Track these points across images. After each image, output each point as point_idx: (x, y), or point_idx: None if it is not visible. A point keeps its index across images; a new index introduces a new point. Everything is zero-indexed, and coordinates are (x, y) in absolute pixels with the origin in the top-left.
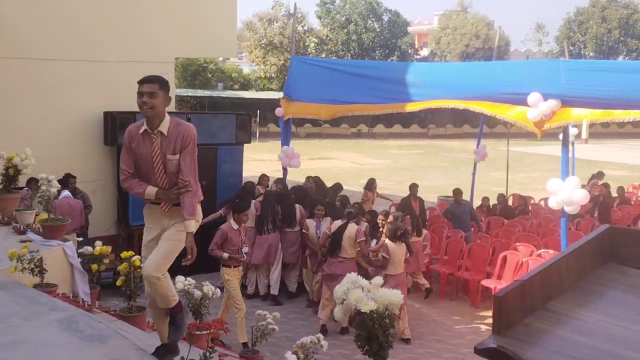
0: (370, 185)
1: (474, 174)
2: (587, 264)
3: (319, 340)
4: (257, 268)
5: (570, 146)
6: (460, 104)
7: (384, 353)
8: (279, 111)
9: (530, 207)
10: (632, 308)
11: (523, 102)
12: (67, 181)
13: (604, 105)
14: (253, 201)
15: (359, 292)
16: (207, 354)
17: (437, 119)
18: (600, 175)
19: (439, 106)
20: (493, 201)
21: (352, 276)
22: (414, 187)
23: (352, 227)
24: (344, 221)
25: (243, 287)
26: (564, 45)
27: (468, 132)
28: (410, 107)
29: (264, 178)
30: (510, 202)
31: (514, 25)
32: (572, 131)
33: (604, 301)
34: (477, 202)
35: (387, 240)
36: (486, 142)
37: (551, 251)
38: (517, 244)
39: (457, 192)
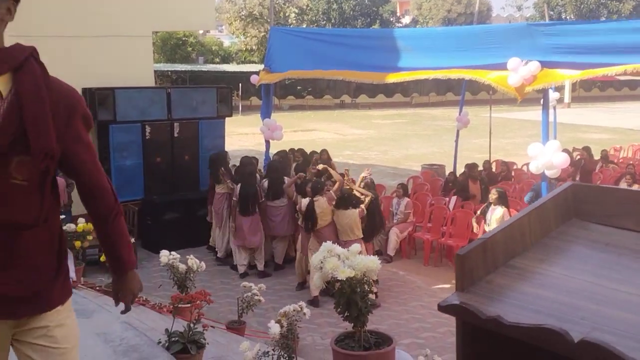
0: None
1: (456, 141)
2: (550, 221)
3: (301, 308)
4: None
5: (551, 110)
6: (441, 74)
7: (364, 318)
8: (254, 78)
9: (513, 173)
10: (590, 262)
11: (503, 67)
12: None
13: (585, 66)
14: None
15: (335, 260)
16: (192, 325)
17: (420, 87)
18: (587, 149)
19: (420, 77)
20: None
21: (328, 245)
22: (472, 169)
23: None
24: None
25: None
26: (544, 9)
27: (451, 100)
28: (391, 79)
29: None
30: (494, 169)
31: None
32: (554, 95)
33: (566, 256)
34: (460, 169)
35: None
36: (469, 109)
37: None
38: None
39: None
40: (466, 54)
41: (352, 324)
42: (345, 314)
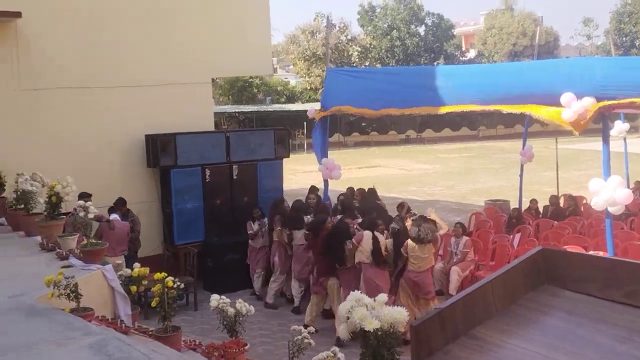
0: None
1: (521, 175)
2: (518, 287)
3: (335, 354)
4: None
5: (622, 142)
6: (493, 108)
7: None
8: (311, 111)
9: (582, 208)
10: (551, 333)
11: (556, 103)
12: (121, 205)
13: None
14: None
15: (363, 310)
16: None
17: (488, 120)
18: None
19: (473, 110)
20: (544, 202)
21: (356, 294)
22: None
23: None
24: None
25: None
26: (609, 38)
27: (519, 132)
28: (444, 110)
29: (314, 190)
30: (561, 203)
31: (564, 19)
32: (623, 127)
33: (528, 326)
34: (527, 204)
35: (408, 241)
36: (538, 141)
37: (601, 253)
38: (566, 246)
39: None
40: (518, 90)
41: None
42: None
